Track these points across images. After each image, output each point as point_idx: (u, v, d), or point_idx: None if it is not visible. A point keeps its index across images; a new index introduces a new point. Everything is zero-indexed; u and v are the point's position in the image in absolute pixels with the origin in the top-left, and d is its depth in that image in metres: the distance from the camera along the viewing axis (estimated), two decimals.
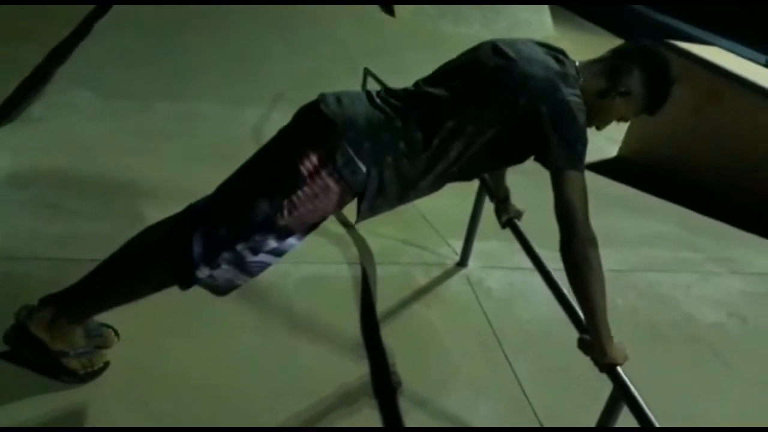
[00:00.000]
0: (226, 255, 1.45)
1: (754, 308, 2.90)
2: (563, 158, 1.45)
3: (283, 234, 1.48)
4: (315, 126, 1.45)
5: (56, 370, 1.67)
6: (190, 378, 1.84)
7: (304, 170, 1.41)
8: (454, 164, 1.53)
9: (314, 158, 1.41)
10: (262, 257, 1.49)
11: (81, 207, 2.68)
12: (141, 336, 1.91)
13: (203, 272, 1.46)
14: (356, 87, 4.46)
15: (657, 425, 1.35)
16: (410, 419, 1.87)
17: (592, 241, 1.43)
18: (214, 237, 1.45)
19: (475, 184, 2.50)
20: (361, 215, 1.54)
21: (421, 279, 2.58)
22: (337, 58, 6.27)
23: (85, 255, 2.34)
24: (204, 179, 3.15)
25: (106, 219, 2.62)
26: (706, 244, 3.42)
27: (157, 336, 1.95)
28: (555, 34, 9.21)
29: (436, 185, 1.60)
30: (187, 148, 3.65)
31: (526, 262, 2.23)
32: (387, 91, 1.56)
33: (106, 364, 1.77)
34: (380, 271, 2.56)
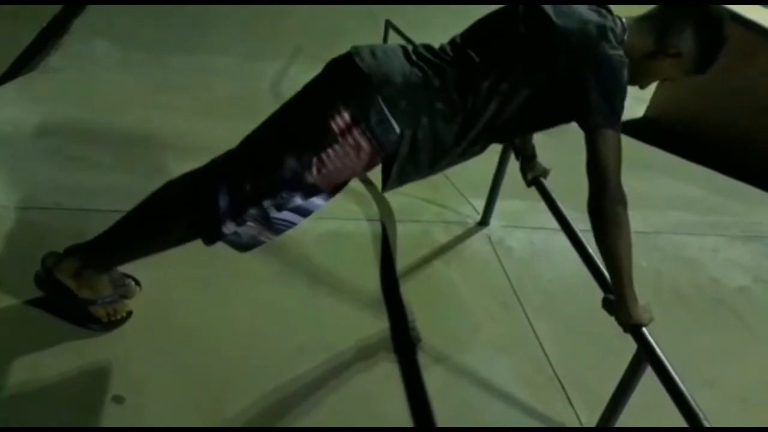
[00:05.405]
0: (252, 211, 1.42)
1: None
2: (601, 116, 1.38)
3: (310, 192, 1.43)
4: (348, 80, 1.38)
5: (83, 318, 1.70)
6: (210, 330, 1.85)
7: (335, 127, 1.35)
8: (489, 127, 1.47)
9: (346, 115, 1.35)
10: (287, 215, 1.46)
11: (100, 158, 2.68)
12: (162, 287, 1.93)
13: (229, 227, 1.43)
14: (377, 41, 4.34)
15: (681, 387, 1.34)
16: (429, 375, 1.87)
17: (623, 201, 1.38)
18: (240, 192, 1.41)
19: None
20: (390, 182, 1.48)
21: (442, 237, 2.56)
22: (358, 13, 6.11)
23: (105, 206, 2.34)
24: (220, 133, 3.11)
25: (125, 171, 2.61)
26: (733, 208, 3.34)
27: (178, 288, 1.96)
28: None
29: (469, 152, 1.54)
30: (203, 101, 3.61)
31: (549, 222, 2.18)
32: (425, 47, 1.48)
33: (129, 314, 1.79)
34: (400, 228, 2.54)
